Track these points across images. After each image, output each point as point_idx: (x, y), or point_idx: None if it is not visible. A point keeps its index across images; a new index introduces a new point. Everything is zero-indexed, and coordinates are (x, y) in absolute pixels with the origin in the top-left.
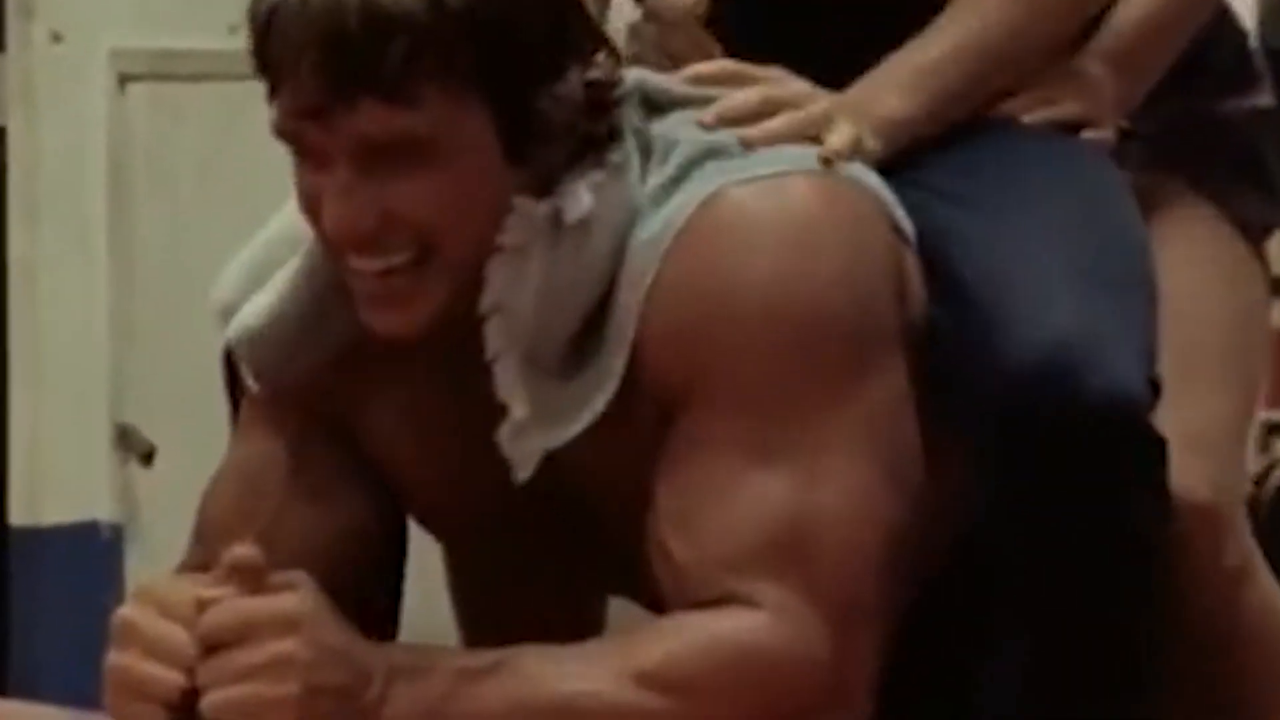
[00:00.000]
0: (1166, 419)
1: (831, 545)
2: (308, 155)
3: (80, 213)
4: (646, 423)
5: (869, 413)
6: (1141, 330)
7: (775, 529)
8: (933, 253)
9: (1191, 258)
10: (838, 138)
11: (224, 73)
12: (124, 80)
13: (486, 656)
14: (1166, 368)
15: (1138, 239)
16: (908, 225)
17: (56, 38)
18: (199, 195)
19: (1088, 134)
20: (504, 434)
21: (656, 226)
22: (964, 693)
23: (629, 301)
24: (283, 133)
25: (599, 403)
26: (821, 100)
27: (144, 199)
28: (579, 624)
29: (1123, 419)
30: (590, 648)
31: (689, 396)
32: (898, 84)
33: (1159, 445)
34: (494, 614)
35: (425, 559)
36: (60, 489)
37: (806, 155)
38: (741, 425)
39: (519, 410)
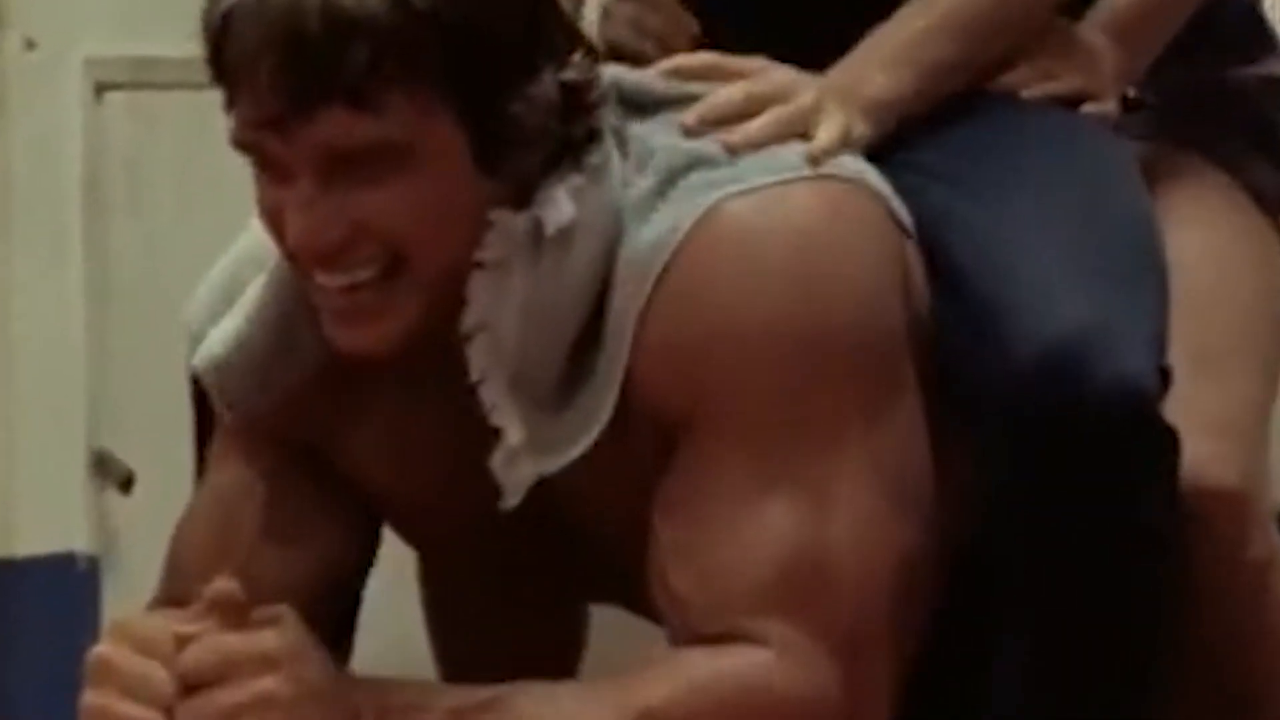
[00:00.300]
0: (1188, 402)
1: (841, 579)
2: (268, 167)
3: (55, 227)
4: (644, 443)
5: (879, 438)
6: (1150, 318)
7: (782, 563)
8: (931, 241)
9: (1207, 228)
10: (826, 132)
11: (204, 81)
12: (100, 89)
13: (481, 694)
14: (1185, 347)
15: (1145, 222)
16: (907, 218)
17: (30, 45)
18: (179, 208)
19: (1089, 107)
20: (496, 460)
21: (647, 242)
22: (968, 689)
23: (622, 323)
24: (241, 144)
25: (594, 430)
26: (807, 90)
27: (121, 212)
28: (559, 630)
29: (1132, 410)
30: (589, 686)
31: (690, 421)
32: (884, 61)
33: (1170, 437)
34: (471, 623)
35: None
36: (34, 519)
37: (798, 160)
38: (745, 454)
39: (513, 436)
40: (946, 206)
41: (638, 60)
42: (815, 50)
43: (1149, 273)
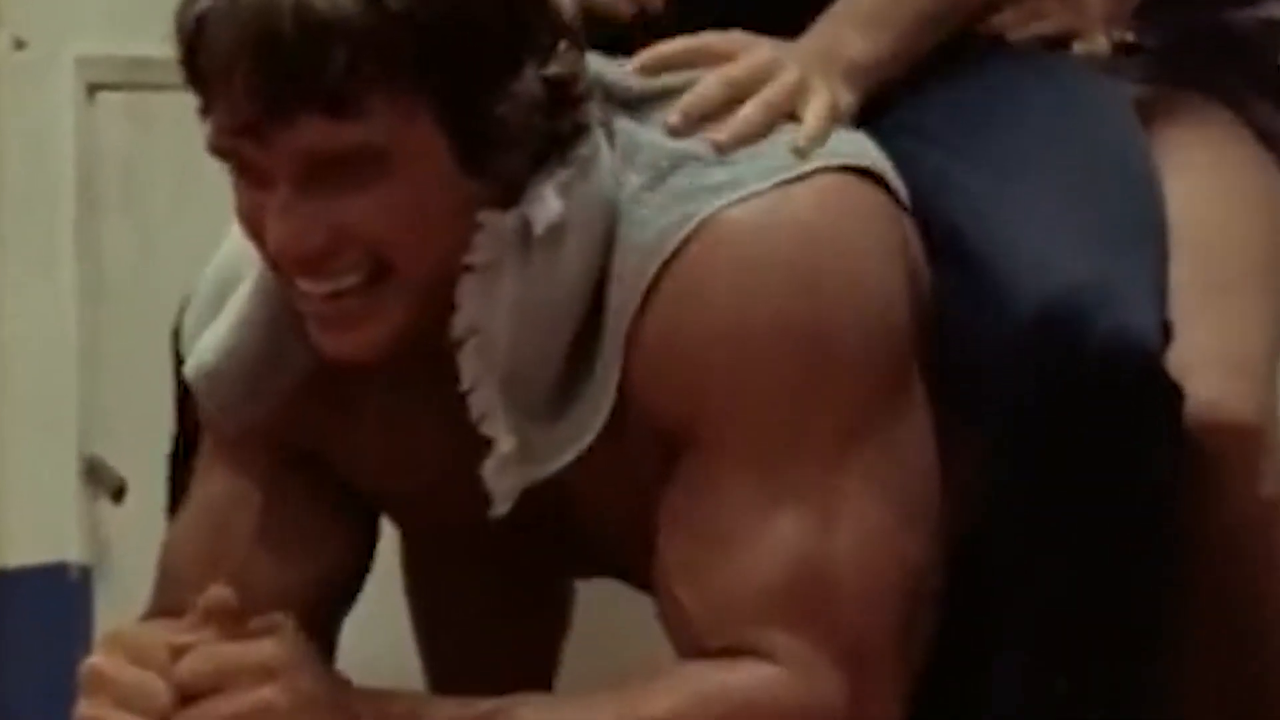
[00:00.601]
0: (1199, 335)
1: (847, 592)
2: (246, 173)
3: (46, 228)
4: (643, 445)
5: (886, 446)
6: (1151, 274)
7: (787, 575)
8: (928, 209)
9: (1212, 161)
10: (813, 112)
11: None
12: (93, 89)
13: (481, 705)
14: (1195, 279)
15: (1144, 176)
16: (904, 191)
17: (19, 44)
18: (174, 211)
19: (1079, 47)
20: (487, 469)
21: (643, 241)
22: (967, 685)
23: (619, 322)
24: (218, 150)
25: (588, 435)
26: (787, 66)
27: (115, 213)
28: (546, 609)
29: (1135, 364)
30: (591, 698)
31: (692, 429)
32: (861, 21)
33: (1174, 392)
34: (457, 606)
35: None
36: (25, 528)
37: (789, 157)
38: (749, 465)
39: (504, 445)
40: (943, 172)
41: (612, 19)
42: (792, 4)
43: (1148, 228)
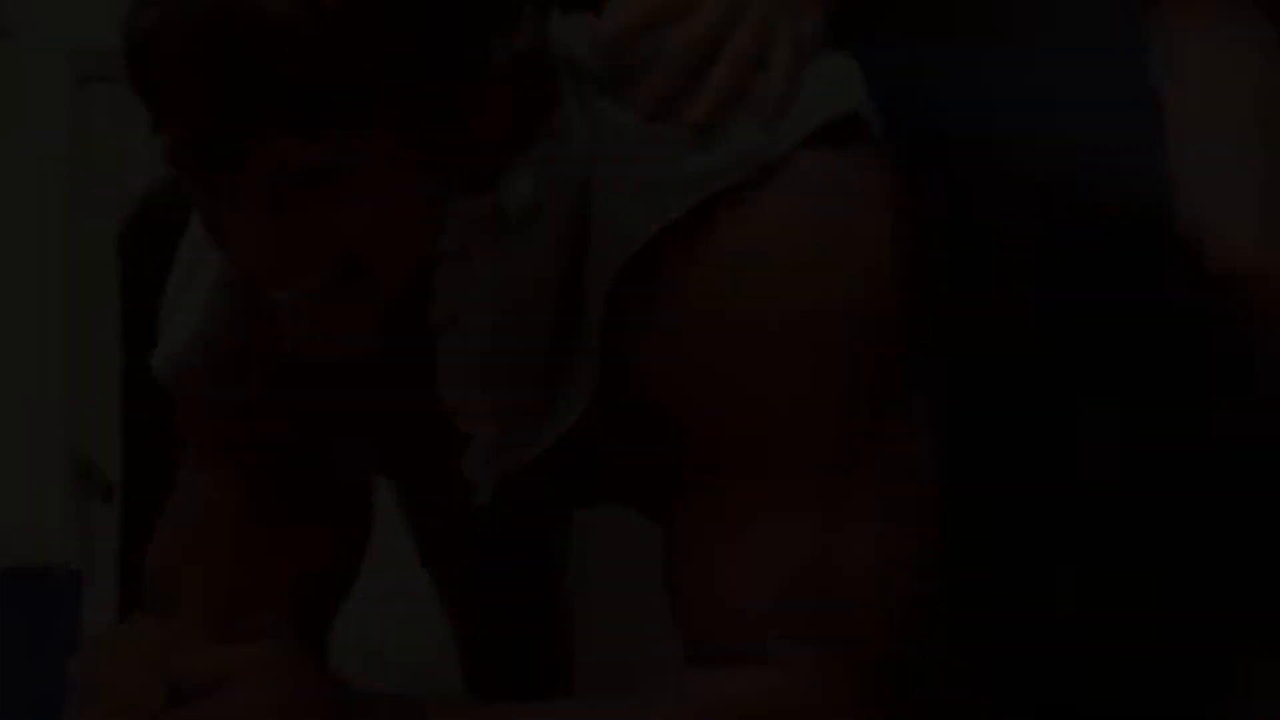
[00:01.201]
0: (1225, 181)
1: (852, 598)
2: (207, 187)
3: (35, 225)
4: (637, 426)
5: (888, 451)
6: (1149, 134)
7: (791, 583)
8: (911, 111)
9: (1221, 27)
10: (779, 63)
11: None
12: (83, 80)
13: (478, 712)
14: (1211, 125)
15: (1131, 36)
16: (878, 124)
17: (7, 34)
18: None
19: None
20: (467, 463)
21: (614, 236)
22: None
23: (593, 317)
24: (174, 166)
25: (563, 422)
26: (746, 7)
27: (105, 210)
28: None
29: (1146, 219)
30: (592, 707)
31: (693, 440)
32: None
33: (1189, 246)
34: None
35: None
36: (12, 529)
37: (761, 134)
38: (753, 473)
39: (484, 437)
40: (922, 64)
41: None
42: None
43: (1140, 92)
